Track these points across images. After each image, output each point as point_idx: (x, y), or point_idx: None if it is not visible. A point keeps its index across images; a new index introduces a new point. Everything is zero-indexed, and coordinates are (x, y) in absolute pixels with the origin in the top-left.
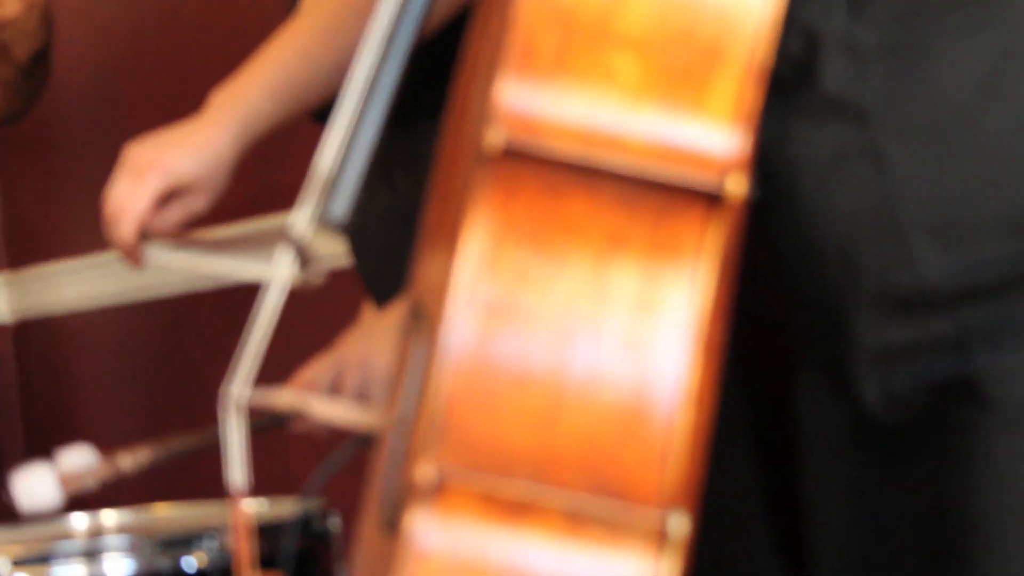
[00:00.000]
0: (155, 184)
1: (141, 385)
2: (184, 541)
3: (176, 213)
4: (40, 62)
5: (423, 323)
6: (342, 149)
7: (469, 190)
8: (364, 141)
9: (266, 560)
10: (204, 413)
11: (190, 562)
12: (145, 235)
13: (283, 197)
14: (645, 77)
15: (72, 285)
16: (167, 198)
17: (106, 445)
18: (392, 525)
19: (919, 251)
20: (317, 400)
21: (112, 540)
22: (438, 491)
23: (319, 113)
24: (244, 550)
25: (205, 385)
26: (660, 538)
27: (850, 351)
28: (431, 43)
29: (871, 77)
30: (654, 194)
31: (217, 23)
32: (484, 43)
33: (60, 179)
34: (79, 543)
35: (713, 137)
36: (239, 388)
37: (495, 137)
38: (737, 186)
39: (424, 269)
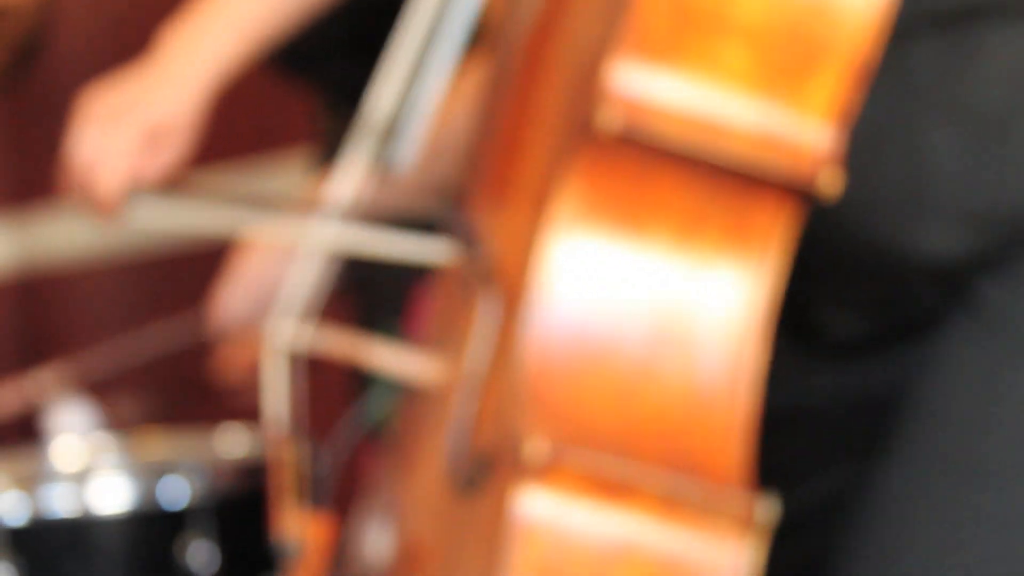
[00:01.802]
0: (136, 126)
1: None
2: (174, 469)
3: (151, 163)
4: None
5: (494, 284)
6: (404, 91)
7: (564, 162)
8: (430, 84)
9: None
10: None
11: (181, 488)
12: (132, 187)
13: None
14: (752, 68)
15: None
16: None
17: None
18: (469, 486)
19: (936, 233)
20: (374, 347)
21: (103, 464)
22: (547, 467)
23: (286, 56)
24: (286, 489)
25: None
26: (749, 522)
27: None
28: None
29: (926, 51)
30: (744, 182)
31: None
32: (574, 6)
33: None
34: (70, 466)
35: (810, 132)
36: (288, 328)
37: (610, 120)
38: (829, 181)
39: (484, 224)
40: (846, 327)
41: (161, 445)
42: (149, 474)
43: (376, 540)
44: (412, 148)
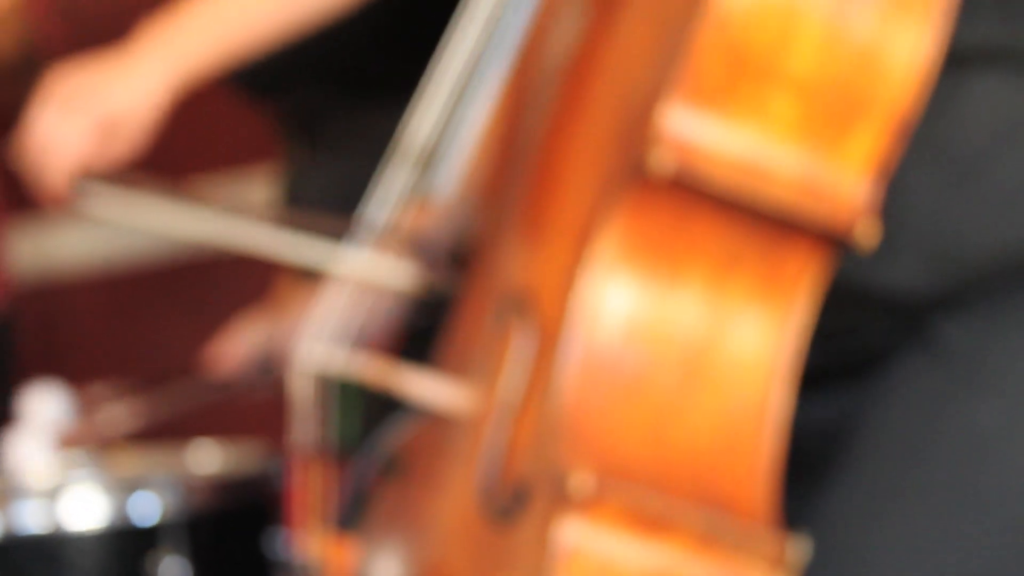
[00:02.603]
0: (92, 113)
1: (132, 349)
2: (145, 484)
3: (102, 152)
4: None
5: (529, 317)
6: (445, 119)
7: (609, 200)
8: (472, 111)
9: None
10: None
11: (153, 503)
12: (83, 175)
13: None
14: (799, 118)
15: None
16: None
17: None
18: (504, 516)
19: (902, 269)
20: (407, 373)
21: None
22: (591, 500)
23: (247, 77)
24: (308, 512)
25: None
26: (780, 561)
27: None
28: (384, 13)
29: None
30: (780, 228)
31: None
32: (617, 43)
33: None
34: (42, 483)
35: (849, 182)
36: (321, 349)
37: (663, 163)
38: (864, 231)
39: (517, 257)
40: (808, 355)
41: (133, 461)
42: (121, 490)
43: (389, 565)
44: (451, 176)
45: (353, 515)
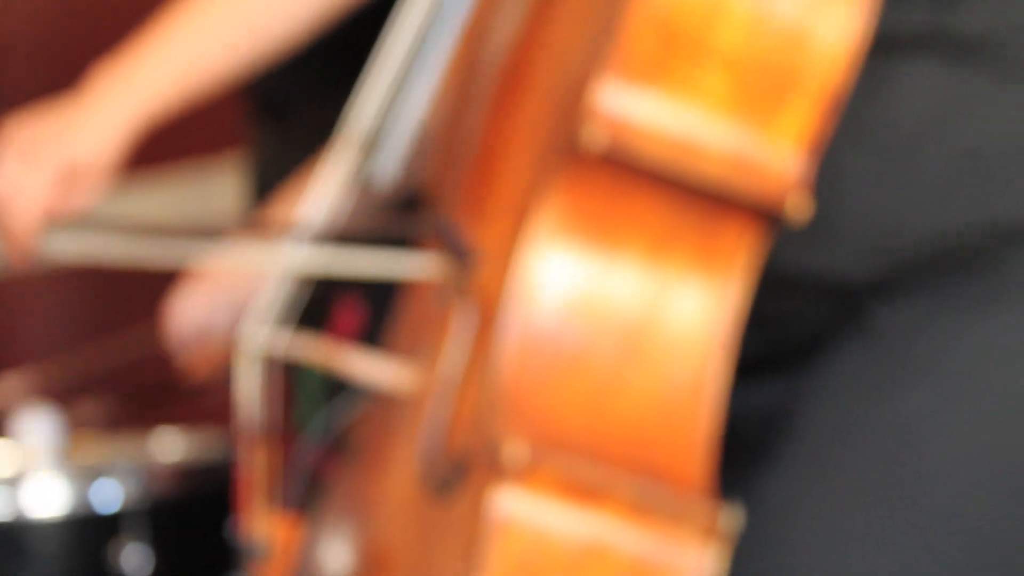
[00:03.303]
0: (53, 163)
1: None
2: (108, 472)
3: (66, 201)
4: None
5: (470, 292)
6: (389, 104)
7: (546, 177)
8: (414, 98)
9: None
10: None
11: (115, 491)
12: (47, 225)
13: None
14: (730, 94)
15: None
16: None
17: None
18: (444, 489)
19: (838, 255)
20: (350, 354)
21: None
22: (525, 470)
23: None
24: (254, 492)
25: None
26: (713, 530)
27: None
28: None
29: None
30: (714, 203)
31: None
32: (556, 23)
33: None
34: (4, 470)
35: (781, 157)
36: (263, 331)
37: (595, 139)
38: (797, 206)
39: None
40: (742, 344)
41: (95, 448)
42: (83, 477)
43: (340, 547)
44: (393, 163)
45: (302, 495)
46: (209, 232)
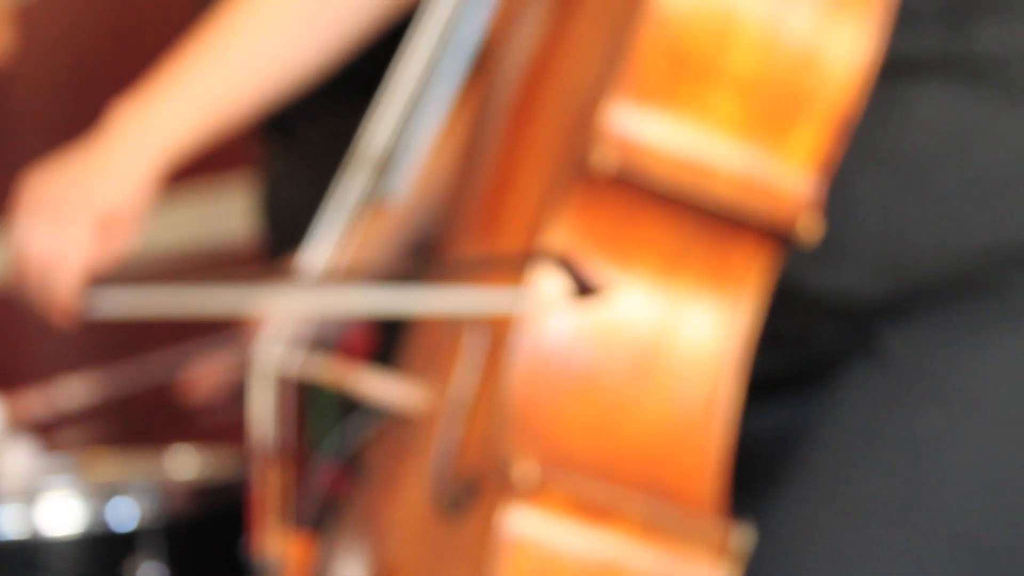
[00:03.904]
0: (87, 217)
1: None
2: (123, 490)
3: (105, 252)
4: None
5: (484, 317)
6: (403, 125)
7: (557, 198)
8: (427, 117)
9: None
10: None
11: (131, 509)
12: (91, 282)
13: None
14: (740, 116)
15: None
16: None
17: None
18: (455, 509)
19: (848, 276)
20: (363, 374)
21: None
22: (536, 489)
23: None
24: (269, 509)
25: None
26: (723, 549)
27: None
28: None
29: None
30: (725, 223)
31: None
32: (570, 47)
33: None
34: (20, 487)
35: (791, 179)
36: (277, 351)
37: (606, 160)
38: (807, 226)
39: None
40: (755, 363)
41: (111, 466)
42: (99, 495)
43: (352, 566)
44: (406, 182)
45: (316, 514)
46: (261, 277)
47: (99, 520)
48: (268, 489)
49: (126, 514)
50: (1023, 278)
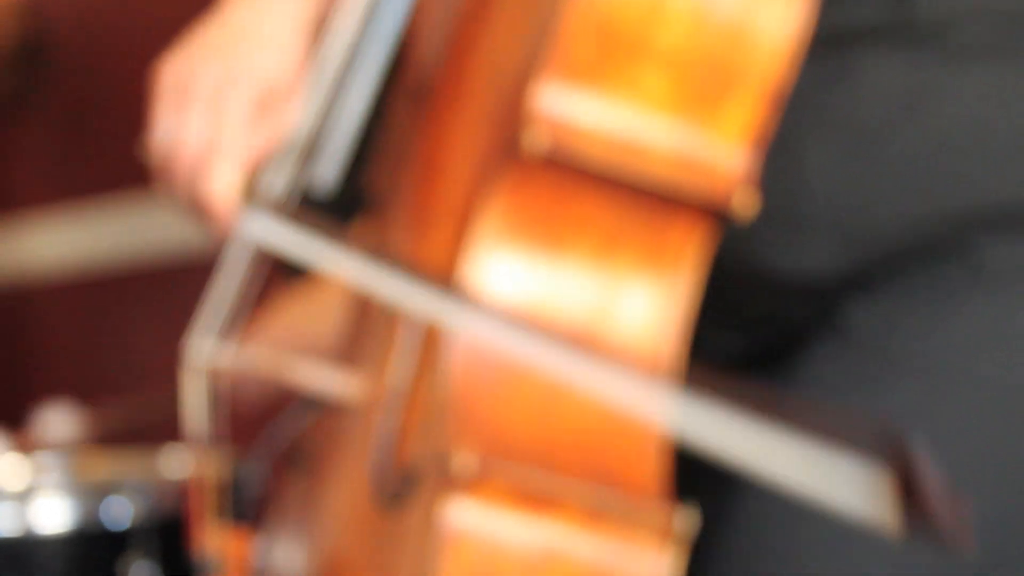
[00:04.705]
0: (246, 98)
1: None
2: (117, 489)
3: (266, 136)
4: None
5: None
6: (326, 108)
7: (488, 182)
8: (356, 102)
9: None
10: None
11: (124, 508)
12: (254, 175)
13: None
14: (670, 92)
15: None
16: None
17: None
18: (395, 501)
19: (808, 250)
20: (296, 363)
21: (46, 484)
22: (476, 480)
23: None
24: (205, 506)
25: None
26: (668, 533)
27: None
28: None
29: (804, 71)
30: (660, 201)
31: None
32: (493, 27)
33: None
34: (13, 485)
35: (725, 154)
36: (205, 344)
37: (537, 142)
38: (743, 202)
39: (405, 244)
40: (721, 345)
41: (104, 465)
42: (92, 494)
43: (293, 559)
44: (333, 168)
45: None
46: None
47: (92, 518)
48: (204, 484)
49: (119, 513)
50: (984, 240)
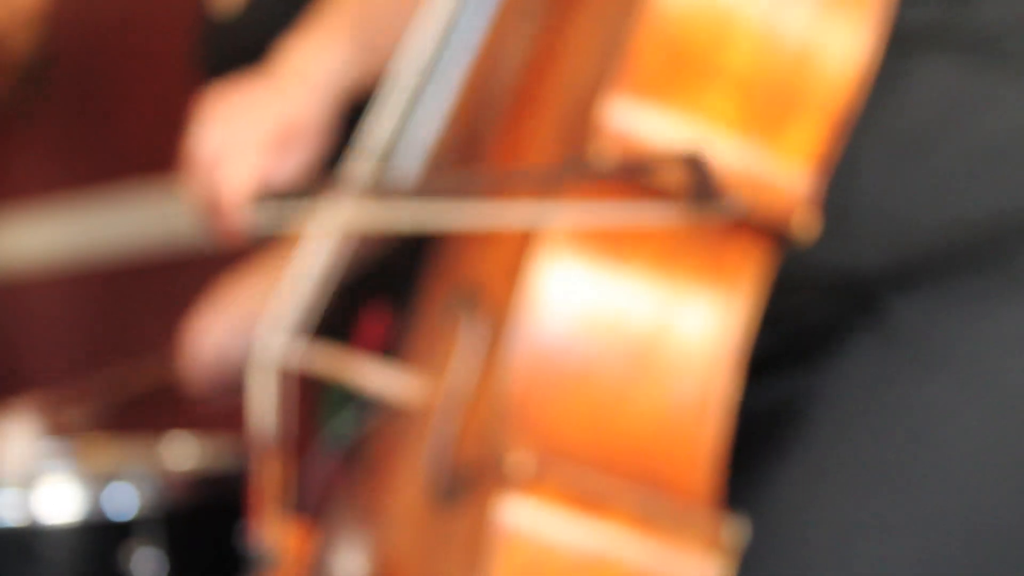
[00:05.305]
0: (268, 122)
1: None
2: (122, 477)
3: (280, 165)
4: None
5: (480, 307)
6: (405, 117)
7: (558, 193)
8: (431, 113)
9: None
10: None
11: (129, 496)
12: (260, 190)
13: None
14: (736, 112)
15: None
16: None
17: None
18: (449, 499)
19: (852, 248)
20: (362, 365)
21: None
22: (531, 480)
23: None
24: (266, 502)
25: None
26: (716, 541)
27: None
28: None
29: None
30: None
31: None
32: (568, 44)
33: None
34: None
35: (786, 176)
36: (278, 341)
37: (605, 157)
38: (802, 224)
39: (470, 250)
40: (758, 338)
41: (109, 453)
42: (97, 483)
43: (351, 557)
44: (408, 175)
45: (316, 505)
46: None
47: (97, 508)
48: (267, 479)
49: (124, 502)
50: None
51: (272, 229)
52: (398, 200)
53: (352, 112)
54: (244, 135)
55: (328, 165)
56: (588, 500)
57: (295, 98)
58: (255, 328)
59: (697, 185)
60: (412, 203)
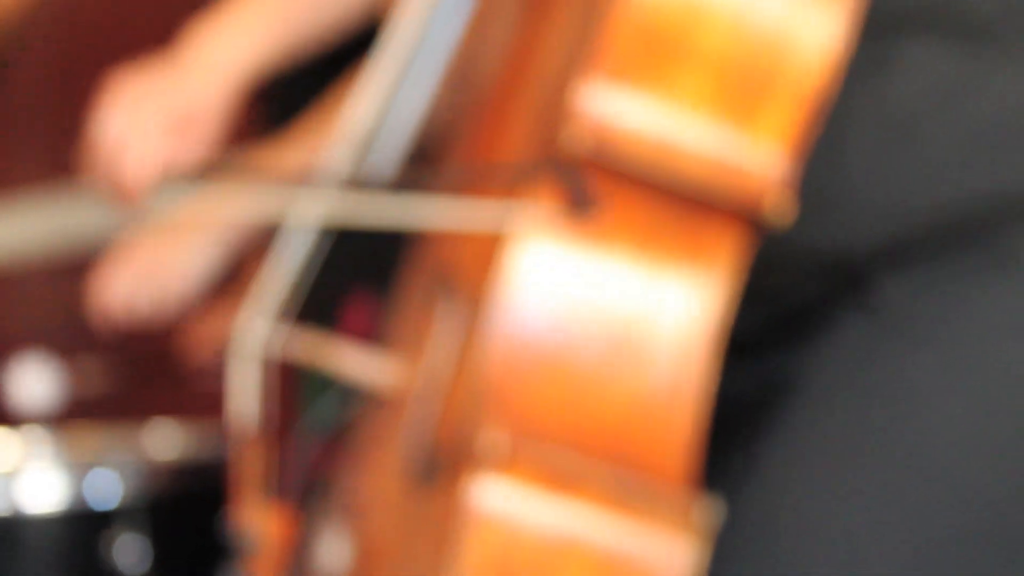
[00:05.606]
0: (165, 110)
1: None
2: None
3: (178, 150)
4: None
5: (458, 292)
6: (385, 104)
7: (531, 180)
8: (414, 97)
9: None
10: None
11: (112, 485)
12: (159, 174)
13: None
14: (711, 95)
15: None
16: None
17: None
18: (425, 480)
19: (841, 228)
20: (341, 351)
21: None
22: (505, 459)
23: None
24: (250, 486)
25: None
26: (689, 522)
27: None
28: None
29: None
30: (696, 202)
31: None
32: (545, 33)
33: None
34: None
35: (760, 159)
36: (259, 327)
37: (577, 140)
38: (775, 207)
39: (448, 236)
40: (743, 315)
41: (92, 441)
42: (79, 471)
43: (333, 542)
44: (388, 163)
45: (300, 490)
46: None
47: (79, 496)
48: (248, 466)
49: (107, 490)
50: (1014, 228)
51: (175, 211)
52: (374, 192)
53: (271, 93)
54: (146, 120)
55: (232, 148)
56: (562, 479)
57: (197, 83)
58: (157, 276)
59: (573, 193)
60: (387, 196)
